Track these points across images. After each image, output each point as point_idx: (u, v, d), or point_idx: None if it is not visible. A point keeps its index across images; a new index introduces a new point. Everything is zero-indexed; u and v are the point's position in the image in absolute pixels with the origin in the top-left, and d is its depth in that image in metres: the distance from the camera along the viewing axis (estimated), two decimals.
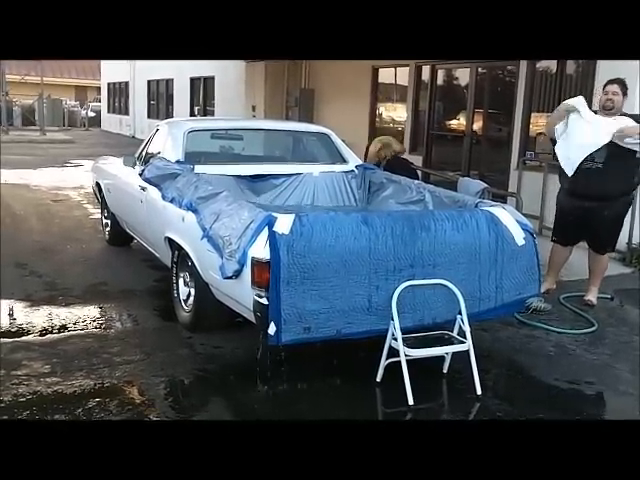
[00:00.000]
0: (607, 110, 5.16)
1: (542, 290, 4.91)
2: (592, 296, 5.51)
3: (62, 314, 4.83)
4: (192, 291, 4.47)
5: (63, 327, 4.59)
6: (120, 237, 6.64)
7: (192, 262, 4.28)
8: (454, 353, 3.85)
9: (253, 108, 14.19)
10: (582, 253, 5.68)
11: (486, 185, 5.66)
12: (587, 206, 5.17)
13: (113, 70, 27.31)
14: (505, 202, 5.98)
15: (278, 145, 6.31)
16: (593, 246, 5.49)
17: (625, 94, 5.16)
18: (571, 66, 8.08)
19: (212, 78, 17.93)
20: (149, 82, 23.31)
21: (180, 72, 19.90)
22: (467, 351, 3.71)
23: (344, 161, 5.74)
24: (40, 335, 4.44)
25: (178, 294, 4.68)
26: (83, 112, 31.35)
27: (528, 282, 4.05)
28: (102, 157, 7.61)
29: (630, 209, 6.66)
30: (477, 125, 9.69)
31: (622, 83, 5.20)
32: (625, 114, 5.20)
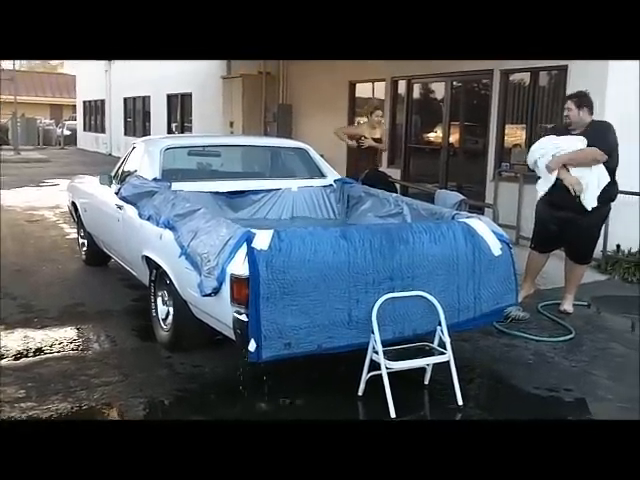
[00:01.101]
0: (567, 126, 5.28)
1: (520, 297, 4.97)
2: (568, 305, 5.56)
3: (38, 337, 4.75)
4: (171, 310, 4.43)
5: (39, 350, 4.52)
6: (97, 257, 6.57)
7: (170, 280, 4.26)
8: (435, 364, 3.86)
9: (231, 124, 14.18)
10: (558, 261, 5.74)
11: (463, 197, 5.69)
12: (565, 217, 5.22)
13: (89, 88, 27.19)
14: (482, 213, 6.06)
15: (256, 161, 6.31)
16: (571, 256, 5.54)
17: (581, 107, 5.20)
18: (544, 77, 8.21)
19: (189, 95, 17.92)
20: (125, 99, 23.21)
21: (157, 89, 19.87)
22: (448, 362, 3.72)
23: (322, 176, 5.76)
24: (15, 359, 4.36)
25: (157, 313, 4.64)
26: (58, 130, 31.08)
27: (506, 292, 4.08)
28: (78, 176, 7.56)
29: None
30: (453, 138, 9.79)
31: (577, 97, 5.29)
32: (594, 123, 5.27)
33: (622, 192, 6.69)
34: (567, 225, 5.25)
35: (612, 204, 5.42)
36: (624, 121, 7.05)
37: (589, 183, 5.10)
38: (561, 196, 5.15)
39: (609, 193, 5.26)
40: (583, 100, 5.24)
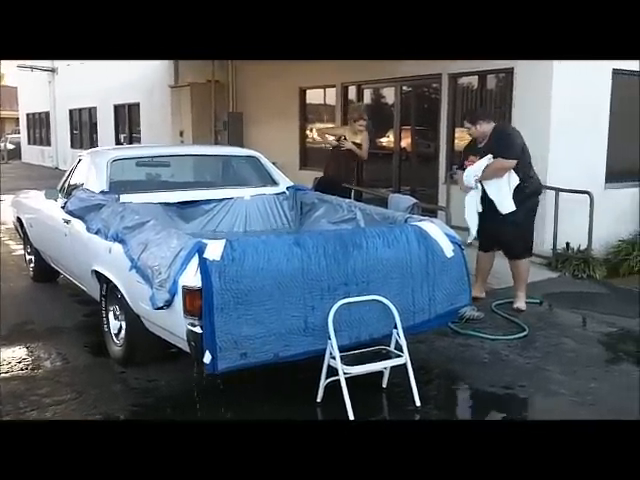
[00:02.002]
0: (480, 142, 5.59)
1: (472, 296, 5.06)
2: (520, 302, 5.67)
3: None
4: (123, 324, 4.35)
5: None
6: (45, 273, 6.41)
7: (121, 294, 4.17)
8: (392, 367, 3.88)
9: (181, 133, 14.02)
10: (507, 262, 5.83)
11: (415, 200, 5.75)
12: (492, 221, 5.47)
13: (32, 100, 26.57)
14: (435, 216, 6.11)
15: (207, 170, 6.24)
16: (507, 254, 5.72)
17: (476, 122, 5.53)
18: (491, 80, 8.36)
19: (137, 104, 17.66)
20: (71, 111, 22.75)
21: (103, 99, 19.53)
22: (404, 364, 3.74)
23: (275, 183, 5.74)
24: None
25: (109, 328, 4.54)
26: (1, 144, 30.25)
27: (459, 292, 4.13)
28: (23, 191, 7.37)
29: (554, 215, 6.95)
30: (405, 142, 9.87)
31: (468, 115, 5.78)
32: (494, 131, 5.52)
33: (570, 191, 6.91)
34: (496, 227, 5.49)
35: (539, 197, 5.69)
36: (570, 122, 7.27)
37: (500, 189, 5.38)
38: (483, 205, 5.50)
39: (528, 189, 5.48)
40: (474, 116, 5.65)
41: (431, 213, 6.84)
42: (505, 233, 5.50)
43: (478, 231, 5.66)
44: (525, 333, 5.05)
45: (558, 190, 6.97)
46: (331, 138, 7.73)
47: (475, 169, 5.44)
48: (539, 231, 7.06)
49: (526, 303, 5.73)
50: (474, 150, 5.59)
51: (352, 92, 10.60)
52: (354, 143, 7.41)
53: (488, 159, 5.37)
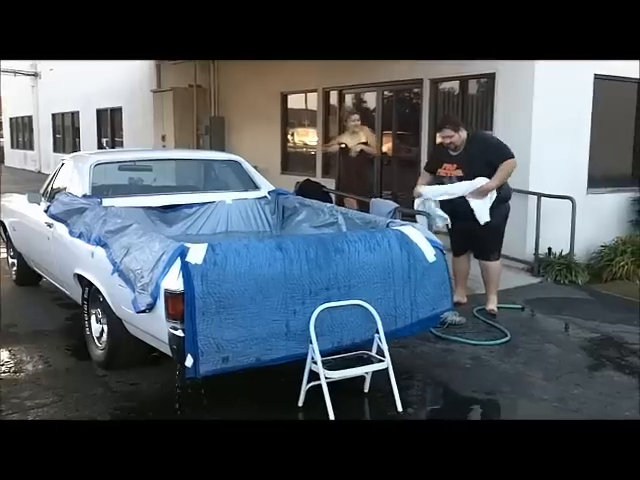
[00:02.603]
0: (452, 150, 5.51)
1: (457, 301, 5.13)
2: (492, 305, 5.70)
3: None
4: (105, 328, 4.33)
5: None
6: (28, 276, 6.39)
7: (104, 298, 4.16)
8: (374, 371, 3.89)
9: (163, 138, 13.99)
10: None
11: (397, 205, 5.78)
12: (464, 225, 5.49)
13: (15, 104, 26.37)
14: (416, 221, 6.14)
15: (189, 174, 6.25)
16: (477, 255, 5.77)
17: (458, 129, 5.44)
18: (473, 85, 8.43)
19: (119, 109, 17.59)
20: (54, 115, 22.62)
21: (86, 104, 19.43)
22: (386, 369, 3.75)
23: (256, 187, 5.75)
24: None
25: (91, 332, 4.53)
26: None
27: (441, 297, 4.15)
28: (5, 194, 7.31)
29: (536, 220, 7.01)
30: (387, 147, 9.91)
31: (450, 123, 5.55)
32: (473, 139, 5.52)
33: (552, 196, 6.97)
34: (468, 231, 5.52)
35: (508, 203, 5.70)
36: (550, 127, 7.34)
37: (484, 202, 5.36)
38: (455, 211, 5.47)
39: (501, 195, 5.48)
40: (455, 123, 5.53)
41: (412, 218, 6.88)
42: (479, 236, 5.50)
43: (450, 237, 5.71)
44: (507, 339, 5.08)
45: (540, 195, 7.03)
46: (331, 149, 7.73)
47: (464, 188, 5.35)
48: (521, 236, 7.16)
49: (508, 309, 5.78)
50: (447, 158, 5.52)
51: (334, 97, 10.64)
52: (360, 143, 7.39)
53: (481, 180, 5.30)
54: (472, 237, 5.58)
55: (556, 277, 6.92)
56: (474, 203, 5.35)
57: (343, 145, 7.52)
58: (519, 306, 5.95)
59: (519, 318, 5.72)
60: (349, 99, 10.56)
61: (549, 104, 7.32)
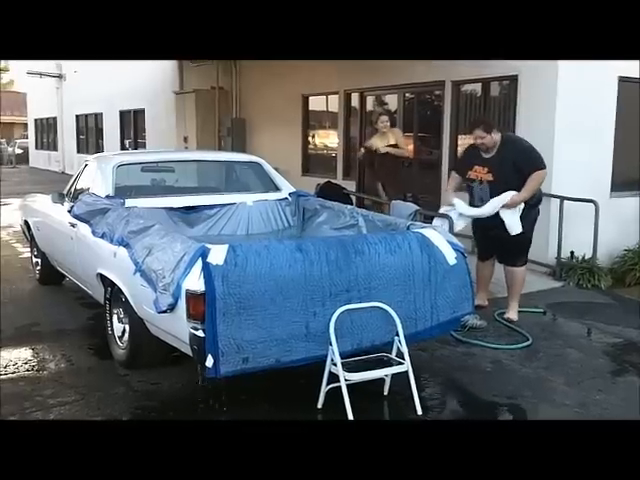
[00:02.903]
0: (485, 152, 5.41)
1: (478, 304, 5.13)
2: (512, 313, 5.61)
3: None
4: (127, 327, 4.37)
5: None
6: (51, 276, 6.46)
7: (126, 298, 4.19)
8: (394, 374, 3.88)
9: (185, 139, 14.08)
10: None
11: (418, 207, 5.77)
12: (491, 232, 5.44)
13: (40, 105, 26.74)
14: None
15: (211, 176, 6.28)
16: (502, 260, 5.69)
17: (491, 130, 5.35)
18: (495, 87, 8.38)
19: (142, 110, 17.75)
20: (77, 117, 22.89)
21: (109, 105, 19.63)
22: (406, 372, 3.74)
23: (277, 189, 5.76)
24: None
25: (112, 331, 4.57)
26: (10, 149, 30.44)
27: (462, 300, 4.13)
28: (30, 195, 7.41)
29: (558, 224, 6.94)
30: (408, 149, 9.87)
31: (483, 123, 5.46)
32: (506, 142, 5.41)
33: (574, 199, 6.90)
34: (495, 237, 5.45)
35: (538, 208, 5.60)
36: (574, 129, 7.27)
37: (514, 213, 5.28)
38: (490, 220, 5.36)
39: (533, 200, 5.39)
40: (487, 124, 5.44)
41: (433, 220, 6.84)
42: (506, 242, 5.42)
43: (476, 242, 5.67)
44: (529, 343, 5.04)
45: (563, 198, 6.97)
46: (360, 154, 7.62)
47: (495, 205, 5.28)
48: (543, 240, 7.09)
49: (530, 313, 5.72)
50: (479, 160, 5.42)
51: (355, 99, 10.64)
52: (388, 146, 7.33)
53: (510, 194, 5.22)
54: (499, 243, 5.51)
55: (578, 281, 6.85)
56: (505, 214, 5.26)
57: (374, 148, 7.42)
58: (541, 310, 5.90)
59: (541, 322, 5.66)
60: (370, 101, 10.55)
61: (572, 106, 7.25)
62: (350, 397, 3.56)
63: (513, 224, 5.28)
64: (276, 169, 6.12)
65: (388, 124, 7.48)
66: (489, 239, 5.57)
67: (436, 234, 4.14)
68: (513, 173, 5.24)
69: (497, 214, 5.29)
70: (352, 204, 6.88)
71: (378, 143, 7.43)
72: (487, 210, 5.31)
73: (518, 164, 5.25)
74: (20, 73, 29.91)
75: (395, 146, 7.41)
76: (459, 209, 5.49)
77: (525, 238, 5.49)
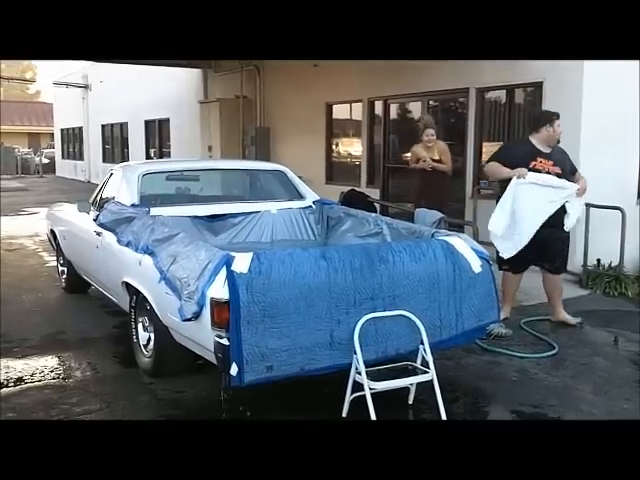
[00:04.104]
0: (544, 147, 5.44)
1: (501, 317, 5.01)
2: (564, 315, 5.66)
3: (18, 366, 4.70)
4: (152, 335, 4.40)
5: (19, 380, 4.46)
6: (77, 284, 6.53)
7: (151, 306, 4.22)
8: (419, 383, 3.85)
9: (209, 148, 14.19)
10: (540, 278, 5.77)
11: (442, 215, 5.74)
12: (546, 233, 5.30)
13: (66, 116, 27.16)
14: (462, 231, 6.08)
15: (235, 184, 6.31)
16: (551, 269, 5.59)
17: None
18: (519, 94, 8.33)
19: (167, 120, 17.93)
20: (103, 126, 23.19)
21: (134, 115, 19.87)
22: (431, 381, 3.70)
23: (301, 197, 5.77)
24: None
25: (138, 339, 4.60)
26: (37, 159, 30.97)
27: (487, 309, 4.09)
28: (56, 204, 7.51)
29: (584, 231, 6.86)
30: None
31: (554, 115, 5.52)
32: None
33: (600, 206, 6.82)
34: (548, 240, 5.36)
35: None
36: (599, 136, 7.19)
37: (575, 208, 5.35)
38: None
39: None
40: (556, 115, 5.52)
41: (458, 228, 6.81)
42: (561, 247, 5.47)
43: (516, 255, 5.36)
44: (555, 351, 4.98)
45: (589, 206, 6.88)
46: (414, 165, 7.37)
47: (568, 185, 5.30)
48: (571, 247, 6.99)
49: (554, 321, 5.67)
50: (541, 154, 5.38)
51: (379, 107, 10.63)
52: (433, 160, 7.16)
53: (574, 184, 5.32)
54: (548, 248, 5.42)
55: (605, 289, 6.77)
56: (573, 203, 5.31)
57: (422, 161, 7.21)
58: None
59: (567, 330, 5.59)
60: (394, 109, 10.54)
61: (598, 113, 7.18)
62: (375, 406, 3.53)
63: (574, 214, 5.32)
64: (300, 177, 6.13)
65: (434, 137, 7.25)
66: (538, 244, 5.29)
67: (461, 242, 4.11)
68: (569, 170, 5.41)
69: (562, 206, 5.29)
70: (376, 212, 6.85)
71: (423, 154, 7.23)
72: (568, 184, 5.30)
73: (570, 163, 5.44)
74: (47, 84, 30.46)
75: (439, 161, 7.22)
76: (535, 179, 5.23)
77: (568, 239, 5.55)
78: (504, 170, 5.35)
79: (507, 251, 5.35)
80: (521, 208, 5.26)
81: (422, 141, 7.30)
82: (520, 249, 5.30)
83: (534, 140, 5.48)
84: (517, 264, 5.51)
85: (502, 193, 5.37)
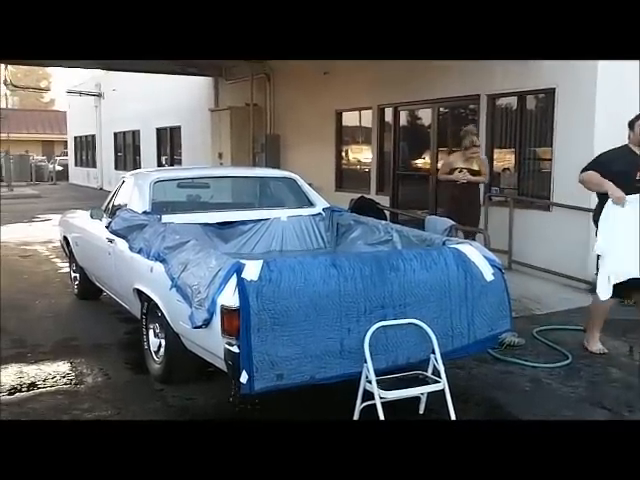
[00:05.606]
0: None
1: (594, 351, 5.04)
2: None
3: (31, 371, 4.73)
4: (162, 342, 4.41)
5: (32, 385, 4.49)
6: (89, 290, 6.56)
7: (162, 313, 4.23)
8: (430, 393, 3.82)
9: (220, 155, 14.25)
10: (553, 287, 5.71)
11: (453, 222, 5.69)
12: None
13: (79, 123, 27.37)
14: (473, 238, 6.05)
15: (245, 191, 6.33)
16: None
17: None
18: (531, 101, 8.29)
19: (178, 128, 18.03)
20: (115, 134, 23.34)
21: (146, 123, 19.98)
22: (442, 390, 3.67)
23: (311, 204, 5.77)
24: (9, 394, 4.33)
25: (149, 346, 4.61)
26: (50, 166, 31.21)
27: (499, 317, 4.05)
28: (69, 211, 7.56)
29: None
30: (442, 164, 9.82)
31: None
32: None
33: None
34: None
35: None
36: (613, 143, 7.11)
37: None
38: None
39: None
40: None
41: (469, 235, 6.77)
42: None
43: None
44: (568, 361, 4.93)
45: None
46: (446, 177, 7.13)
47: None
48: (582, 255, 6.96)
49: (569, 330, 5.60)
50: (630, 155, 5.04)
51: (389, 114, 10.63)
52: (470, 170, 6.99)
53: None
54: None
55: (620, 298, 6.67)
56: None
57: (458, 171, 6.93)
58: (581, 328, 5.76)
59: (581, 340, 5.51)
60: (404, 116, 10.54)
61: (612, 120, 7.11)
62: (385, 415, 3.50)
63: None
64: (310, 185, 6.13)
65: (479, 148, 7.00)
66: None
67: (472, 250, 4.08)
68: None
69: None
70: (386, 219, 6.83)
71: (460, 164, 7.01)
72: None
73: None
74: (61, 92, 30.72)
75: (477, 173, 7.04)
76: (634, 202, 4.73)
77: None
78: (607, 184, 4.87)
79: (614, 275, 4.89)
80: (627, 231, 4.77)
81: (465, 150, 7.08)
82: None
83: (635, 147, 5.08)
84: (626, 287, 4.97)
85: (599, 207, 5.01)
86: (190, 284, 3.73)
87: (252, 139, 13.63)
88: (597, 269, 5.08)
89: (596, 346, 5.17)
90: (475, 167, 7.08)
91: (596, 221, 5.05)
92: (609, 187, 4.87)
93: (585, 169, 5.14)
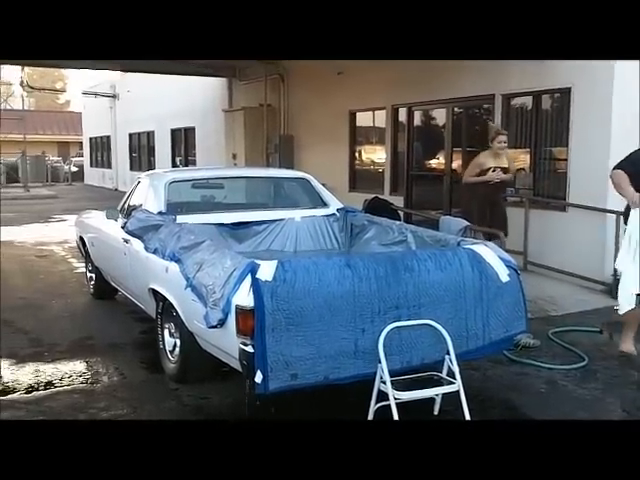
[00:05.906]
0: None
1: (624, 350, 4.98)
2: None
3: (48, 370, 4.78)
4: (178, 342, 4.43)
5: (49, 383, 4.54)
6: (105, 290, 6.61)
7: (177, 312, 4.25)
8: (444, 394, 3.80)
9: (234, 156, 14.28)
10: (569, 288, 5.68)
11: (468, 223, 5.67)
12: None
13: (94, 125, 27.54)
14: (498, 239, 6.00)
15: (259, 192, 6.34)
16: None
17: None
18: (546, 100, 8.25)
19: (192, 128, 18.09)
20: (130, 135, 23.46)
21: (161, 124, 20.07)
22: (457, 391, 3.65)
23: (325, 205, 5.77)
24: (26, 393, 4.38)
25: (164, 345, 4.63)
26: (66, 167, 31.47)
27: (515, 319, 4.03)
28: (85, 211, 7.62)
29: (614, 240, 6.74)
30: (456, 164, 9.79)
31: None
32: None
33: None
34: None
35: None
36: (630, 143, 7.05)
37: None
38: None
39: None
40: None
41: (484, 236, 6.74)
42: None
43: None
44: (584, 363, 4.89)
45: (619, 213, 6.76)
46: (475, 179, 6.73)
47: None
48: (599, 256, 6.91)
49: (585, 332, 5.55)
50: None
51: (402, 114, 10.61)
52: (501, 169, 6.64)
53: None
54: None
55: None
56: None
57: (492, 171, 6.54)
58: (597, 329, 5.72)
59: (597, 342, 5.48)
60: (418, 116, 10.51)
61: (628, 119, 7.05)
62: (400, 416, 3.50)
63: None
64: (323, 185, 6.13)
65: (506, 145, 6.74)
66: None
67: (488, 250, 4.06)
68: None
69: None
70: (400, 220, 6.81)
71: (491, 162, 6.67)
72: None
73: None
74: (76, 94, 30.95)
75: (507, 170, 6.74)
76: None
77: None
78: (628, 189, 4.79)
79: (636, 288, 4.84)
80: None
81: (493, 147, 6.74)
82: None
83: None
84: None
85: (627, 212, 4.95)
86: (205, 284, 3.74)
87: (266, 140, 13.65)
88: (616, 279, 5.01)
89: (626, 346, 5.11)
90: (505, 164, 6.74)
91: (626, 218, 5.01)
92: (627, 193, 4.82)
93: (617, 167, 5.04)
